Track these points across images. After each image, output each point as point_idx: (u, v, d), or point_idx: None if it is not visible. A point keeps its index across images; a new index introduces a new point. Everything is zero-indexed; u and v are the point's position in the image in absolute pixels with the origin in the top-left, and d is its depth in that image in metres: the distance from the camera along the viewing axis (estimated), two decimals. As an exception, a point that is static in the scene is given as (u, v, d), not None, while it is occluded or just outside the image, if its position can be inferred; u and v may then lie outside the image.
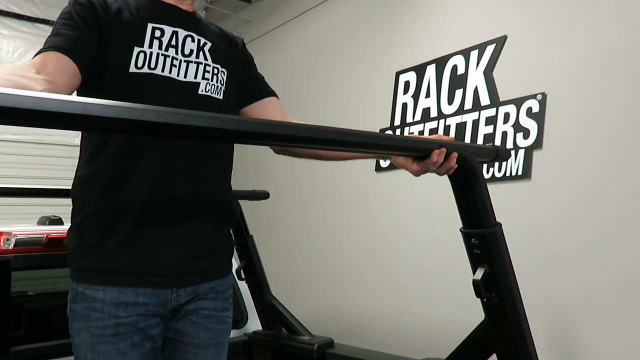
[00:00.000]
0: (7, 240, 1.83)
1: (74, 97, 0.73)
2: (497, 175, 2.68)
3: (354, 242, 3.48)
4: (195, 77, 1.31)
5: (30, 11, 4.41)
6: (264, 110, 1.50)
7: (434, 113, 3.07)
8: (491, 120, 2.76)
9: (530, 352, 1.24)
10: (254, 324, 2.28)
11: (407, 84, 3.25)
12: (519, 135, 2.62)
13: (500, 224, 1.22)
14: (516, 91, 2.66)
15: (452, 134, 2.95)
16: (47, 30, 4.45)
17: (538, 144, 2.54)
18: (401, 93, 3.28)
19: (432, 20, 3.13)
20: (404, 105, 3.25)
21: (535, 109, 2.56)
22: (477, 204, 1.20)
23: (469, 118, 2.88)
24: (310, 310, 2.83)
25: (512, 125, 2.65)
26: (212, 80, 1.34)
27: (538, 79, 2.57)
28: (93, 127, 0.75)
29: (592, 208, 2.31)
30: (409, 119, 3.21)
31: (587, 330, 2.29)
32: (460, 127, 2.91)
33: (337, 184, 3.65)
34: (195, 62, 1.31)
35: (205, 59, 1.34)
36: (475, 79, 2.86)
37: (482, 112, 2.81)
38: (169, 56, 1.27)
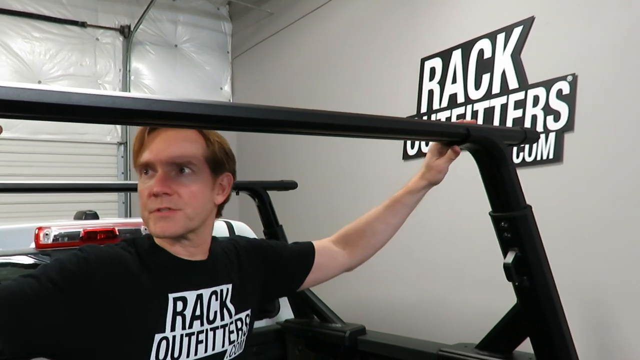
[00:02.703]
0: (46, 234, 1.90)
1: (102, 91, 0.75)
2: (528, 159, 2.64)
3: (383, 231, 3.46)
4: (223, 345, 1.18)
5: (60, 13, 4.51)
6: (323, 261, 1.46)
7: (460, 99, 3.03)
8: (520, 104, 2.71)
9: (565, 336, 1.22)
10: (285, 312, 2.31)
11: (432, 70, 3.21)
12: (549, 118, 2.56)
13: (530, 207, 1.21)
14: (545, 73, 2.60)
15: (480, 119, 2.91)
16: (76, 31, 4.57)
17: (569, 126, 2.49)
18: (427, 80, 3.24)
19: (456, 4, 3.09)
20: (430, 92, 3.22)
21: (566, 90, 2.51)
22: (505, 186, 1.19)
23: (497, 102, 2.83)
24: (341, 300, 2.84)
25: (542, 108, 2.60)
26: (237, 339, 1.23)
27: (568, 60, 2.51)
28: (121, 119, 0.77)
29: (627, 190, 2.25)
30: (435, 106, 3.18)
31: (624, 314, 2.24)
32: (488, 112, 2.87)
33: (364, 173, 3.65)
34: (221, 327, 1.18)
35: (230, 315, 1.21)
36: (503, 62, 2.81)
37: (510, 96, 2.76)
38: (193, 334, 1.12)
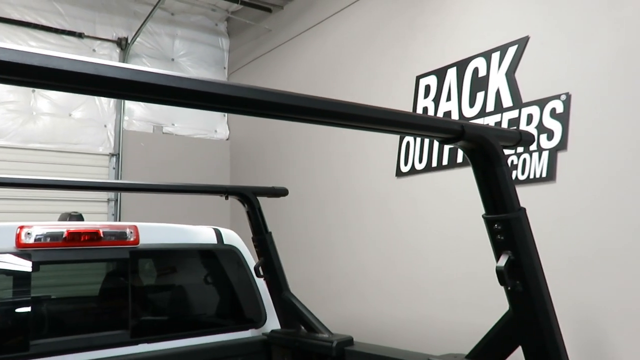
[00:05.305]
0: (28, 234, 1.85)
1: (86, 58, 0.73)
2: (521, 177, 2.62)
3: (374, 247, 3.43)
4: None
5: (58, 23, 4.52)
6: None
7: (455, 116, 3.03)
8: (514, 122, 2.71)
9: (558, 343, 1.19)
10: (272, 323, 2.25)
11: (427, 87, 3.22)
12: (543, 136, 2.56)
13: (524, 209, 1.19)
14: (539, 92, 2.61)
15: (474, 136, 2.91)
16: (73, 42, 4.56)
17: (562, 145, 2.48)
18: (422, 97, 3.25)
19: (452, 23, 3.11)
20: (425, 110, 3.22)
21: (560, 109, 2.51)
22: (500, 188, 1.17)
23: (491, 120, 2.83)
24: (331, 315, 2.79)
25: (536, 127, 2.60)
26: None
27: (562, 79, 2.52)
28: (103, 89, 0.74)
29: (620, 209, 2.24)
30: (429, 123, 3.17)
31: (615, 332, 2.20)
32: (483, 129, 2.86)
33: (358, 188, 3.62)
34: None
35: None
36: (497, 81, 2.82)
37: (504, 114, 2.77)
38: None
